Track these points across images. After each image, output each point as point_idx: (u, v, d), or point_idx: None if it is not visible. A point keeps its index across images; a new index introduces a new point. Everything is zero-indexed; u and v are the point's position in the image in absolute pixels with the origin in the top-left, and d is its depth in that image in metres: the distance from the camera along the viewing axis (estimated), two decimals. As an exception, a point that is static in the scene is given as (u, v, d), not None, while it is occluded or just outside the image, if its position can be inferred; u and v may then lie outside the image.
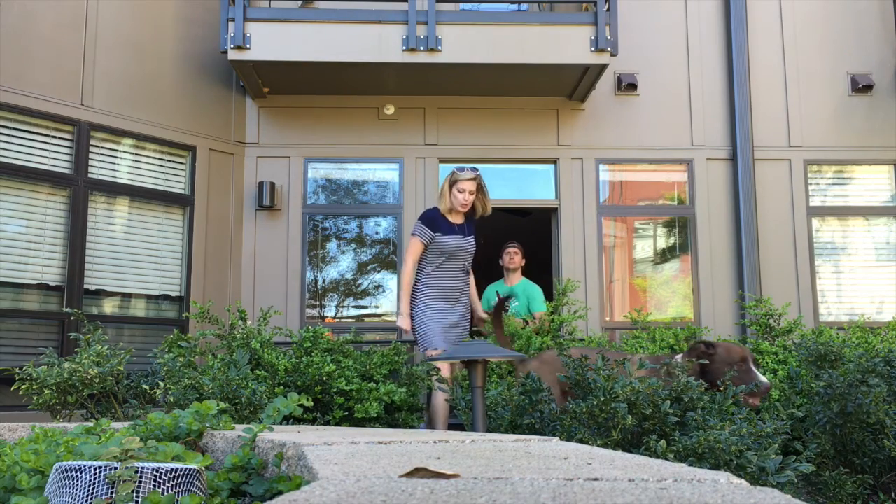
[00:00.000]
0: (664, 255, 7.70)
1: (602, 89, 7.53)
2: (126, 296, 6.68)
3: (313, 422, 4.72)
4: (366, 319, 7.49)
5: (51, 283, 6.21)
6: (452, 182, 5.19)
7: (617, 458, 1.33)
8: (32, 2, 6.26)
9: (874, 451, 3.29)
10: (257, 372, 4.87)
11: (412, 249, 5.21)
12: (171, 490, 1.49)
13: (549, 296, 6.75)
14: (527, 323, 6.07)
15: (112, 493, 1.46)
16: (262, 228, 7.36)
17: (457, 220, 5.26)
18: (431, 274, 5.23)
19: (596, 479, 1.06)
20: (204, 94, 7.24)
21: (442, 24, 6.77)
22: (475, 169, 5.20)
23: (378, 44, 6.73)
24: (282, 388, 4.90)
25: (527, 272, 6.90)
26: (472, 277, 5.46)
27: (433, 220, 5.22)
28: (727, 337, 5.99)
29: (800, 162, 7.61)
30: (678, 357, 3.77)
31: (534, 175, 7.74)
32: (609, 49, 6.74)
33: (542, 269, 7.95)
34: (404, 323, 5.18)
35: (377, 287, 7.56)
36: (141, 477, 1.48)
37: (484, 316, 5.49)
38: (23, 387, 4.39)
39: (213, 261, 7.10)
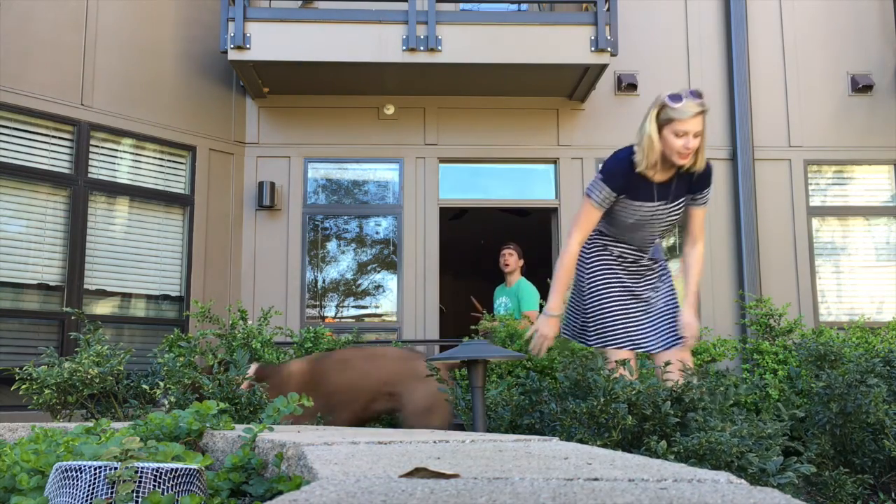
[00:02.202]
0: (664, 255, 7.70)
1: (602, 89, 7.53)
2: (126, 296, 6.68)
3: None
4: (366, 319, 7.49)
5: (51, 283, 6.21)
6: (666, 121, 3.32)
7: (617, 458, 1.33)
8: (32, 2, 6.26)
9: (874, 451, 3.29)
10: (257, 372, 4.86)
11: (583, 219, 3.48)
12: (172, 490, 1.49)
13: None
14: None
15: (112, 493, 1.46)
16: (262, 228, 7.35)
17: (662, 176, 3.44)
18: (606, 251, 3.60)
19: (596, 479, 1.06)
20: (204, 94, 7.24)
21: (442, 24, 6.77)
22: (699, 95, 3.33)
23: (378, 44, 6.73)
24: (282, 388, 4.89)
25: (531, 272, 6.89)
26: (697, 252, 3.67)
27: (622, 176, 3.43)
28: (727, 337, 5.99)
29: (800, 162, 7.61)
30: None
31: (534, 175, 7.74)
32: (609, 49, 6.74)
33: (541, 269, 7.95)
34: (548, 327, 3.51)
35: (377, 287, 7.56)
36: (141, 477, 1.48)
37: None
38: (23, 387, 4.39)
39: (213, 261, 7.10)
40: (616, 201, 3.46)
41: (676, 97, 3.30)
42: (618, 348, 3.45)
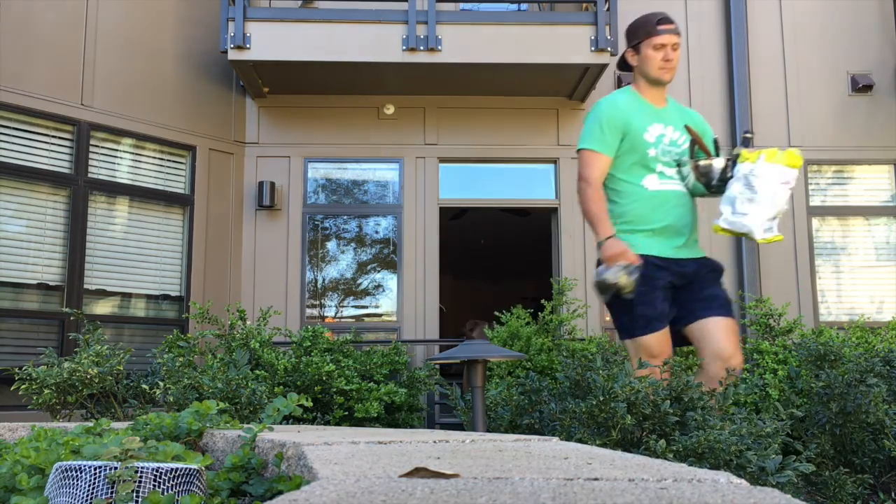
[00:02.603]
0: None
1: (602, 89, 7.52)
2: (126, 296, 6.68)
3: (313, 421, 4.72)
4: (366, 319, 7.49)
5: (51, 283, 6.20)
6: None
7: (617, 458, 1.33)
8: (32, 2, 6.26)
9: (874, 451, 3.29)
10: (257, 372, 4.87)
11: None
12: (171, 490, 1.49)
13: (547, 296, 6.75)
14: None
15: (112, 492, 1.46)
16: (262, 228, 7.36)
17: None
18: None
19: (596, 479, 1.06)
20: (204, 94, 7.24)
21: (442, 24, 6.77)
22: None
23: (378, 44, 6.73)
24: (281, 387, 4.91)
25: (531, 271, 6.88)
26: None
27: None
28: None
29: (800, 162, 7.60)
30: None
31: (534, 175, 7.74)
32: (609, 49, 6.73)
33: (541, 268, 7.95)
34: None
35: (377, 287, 7.56)
36: (141, 477, 1.48)
37: None
38: (23, 387, 4.39)
39: (212, 261, 7.10)
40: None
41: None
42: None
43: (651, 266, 3.15)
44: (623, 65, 3.48)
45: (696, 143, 3.32)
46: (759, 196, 3.07)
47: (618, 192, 3.31)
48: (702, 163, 3.26)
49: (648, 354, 3.11)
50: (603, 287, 3.06)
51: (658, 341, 3.16)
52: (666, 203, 3.28)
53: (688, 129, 3.33)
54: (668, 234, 3.26)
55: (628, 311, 3.19)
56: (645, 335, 3.15)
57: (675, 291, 3.26)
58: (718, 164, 3.25)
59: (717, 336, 3.13)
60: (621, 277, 2.99)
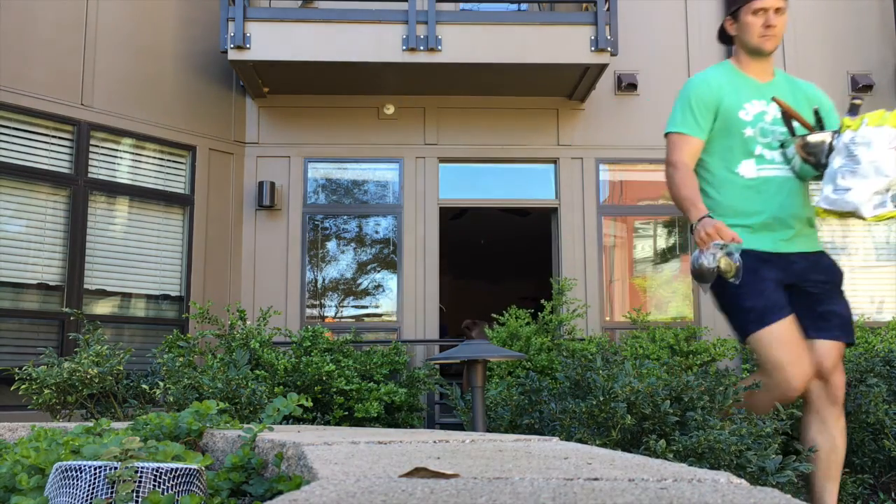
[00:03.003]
0: (664, 255, 7.70)
1: (602, 89, 7.53)
2: (126, 296, 6.68)
3: (313, 421, 4.72)
4: (366, 319, 7.50)
5: (51, 283, 6.21)
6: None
7: (617, 458, 1.33)
8: (32, 2, 6.26)
9: (874, 451, 3.30)
10: (257, 372, 4.87)
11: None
12: (171, 490, 1.49)
13: (547, 296, 6.75)
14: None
15: (112, 492, 1.46)
16: (262, 228, 7.36)
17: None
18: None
19: (596, 479, 1.06)
20: (204, 94, 7.24)
21: (442, 24, 6.77)
22: None
23: (378, 44, 6.73)
24: (281, 387, 4.91)
25: (530, 271, 6.89)
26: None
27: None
28: (727, 337, 6.00)
29: (800, 162, 7.61)
30: None
31: (534, 175, 7.74)
32: (609, 49, 6.73)
33: (541, 268, 7.95)
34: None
35: (377, 287, 7.56)
36: (141, 477, 1.48)
37: None
38: (23, 387, 4.39)
39: (212, 261, 7.10)
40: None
41: None
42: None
43: (754, 258, 2.71)
44: (723, 36, 3.09)
45: (790, 118, 2.83)
46: (863, 166, 2.61)
47: (708, 181, 2.90)
48: (810, 138, 2.77)
49: (774, 362, 2.63)
50: (701, 275, 2.62)
51: (779, 334, 2.66)
52: (765, 192, 2.83)
53: (776, 101, 2.85)
54: (771, 228, 2.82)
55: (737, 309, 2.75)
56: (760, 330, 2.68)
57: (788, 294, 2.78)
58: (824, 138, 2.76)
59: (825, 367, 2.73)
60: (721, 260, 2.57)
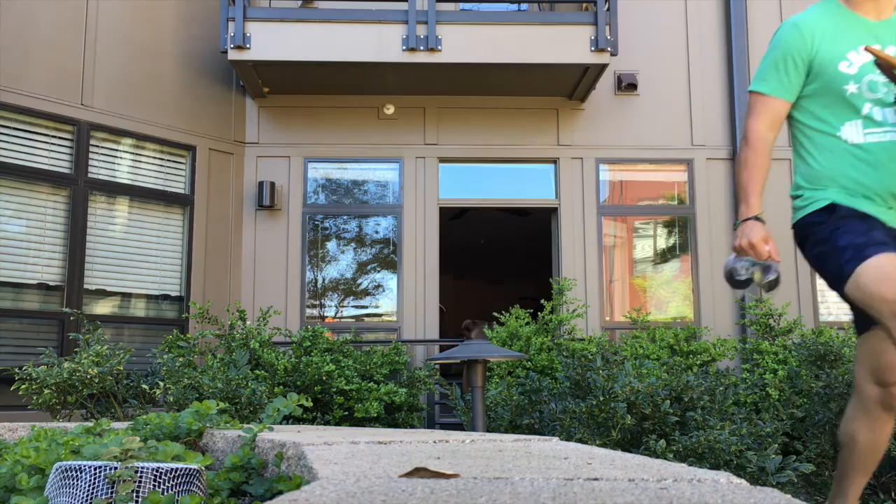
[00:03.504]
0: (664, 255, 7.70)
1: (602, 89, 7.53)
2: (126, 296, 6.68)
3: (313, 421, 4.72)
4: (366, 319, 7.49)
5: (51, 283, 6.21)
6: None
7: (617, 458, 1.33)
8: (32, 2, 6.26)
9: (874, 451, 3.29)
10: (257, 372, 4.87)
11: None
12: (171, 490, 1.49)
13: (547, 296, 6.75)
14: None
15: (112, 492, 1.46)
16: (262, 228, 7.36)
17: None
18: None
19: (596, 479, 1.06)
20: (204, 94, 7.24)
21: (442, 24, 6.77)
22: None
23: (378, 44, 6.73)
24: (281, 387, 4.91)
25: (530, 271, 6.89)
26: None
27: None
28: (727, 337, 6.01)
29: (800, 162, 7.60)
30: None
31: (534, 175, 7.74)
32: (609, 49, 6.73)
33: (541, 268, 7.95)
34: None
35: (377, 287, 7.56)
36: (141, 477, 1.48)
37: None
38: (23, 387, 4.39)
39: (212, 261, 7.10)
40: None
41: None
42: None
43: (851, 211, 2.31)
44: None
45: (892, 69, 2.27)
46: None
47: (805, 146, 2.45)
48: None
49: (881, 296, 2.08)
50: (731, 283, 2.39)
51: (884, 264, 2.13)
52: (875, 160, 2.33)
53: (869, 50, 2.29)
54: (881, 202, 2.35)
55: (832, 250, 2.29)
56: (858, 266, 2.17)
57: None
58: None
59: (890, 376, 2.37)
60: (755, 273, 2.32)
